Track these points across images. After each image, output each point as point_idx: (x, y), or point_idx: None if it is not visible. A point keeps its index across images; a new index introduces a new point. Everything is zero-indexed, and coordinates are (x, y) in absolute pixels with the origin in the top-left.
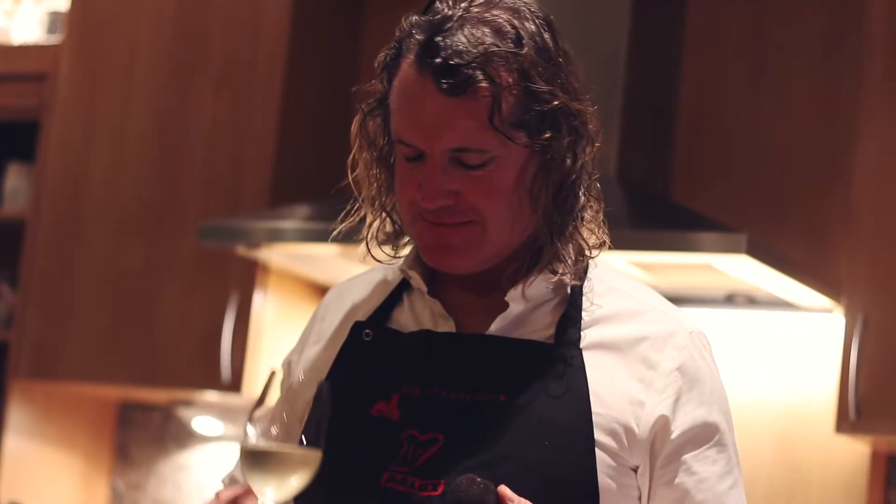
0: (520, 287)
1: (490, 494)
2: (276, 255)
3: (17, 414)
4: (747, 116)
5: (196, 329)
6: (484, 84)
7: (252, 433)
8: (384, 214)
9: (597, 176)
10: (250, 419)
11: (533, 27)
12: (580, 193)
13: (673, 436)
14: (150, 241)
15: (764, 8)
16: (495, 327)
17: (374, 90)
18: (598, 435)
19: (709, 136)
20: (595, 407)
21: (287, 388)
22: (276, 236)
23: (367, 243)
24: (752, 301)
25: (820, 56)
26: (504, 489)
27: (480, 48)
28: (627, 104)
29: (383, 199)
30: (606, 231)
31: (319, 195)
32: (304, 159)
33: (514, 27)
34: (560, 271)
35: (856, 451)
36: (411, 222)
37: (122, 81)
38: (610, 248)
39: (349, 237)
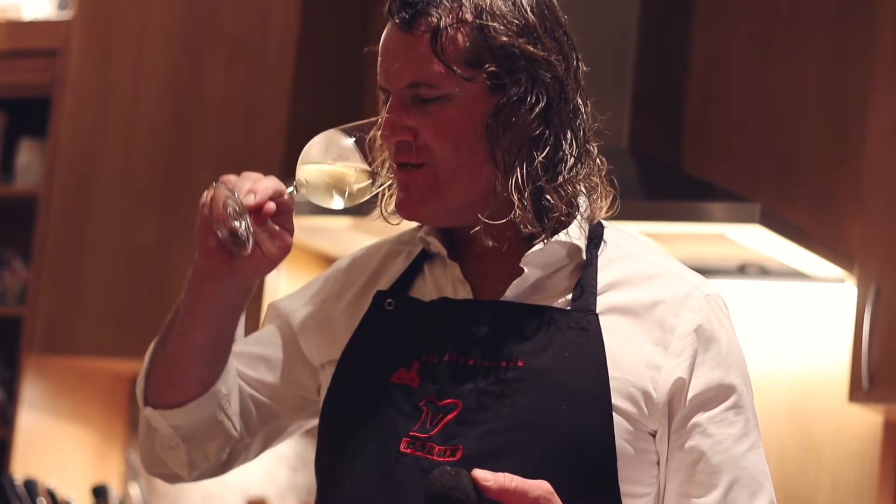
0: (530, 252)
1: (463, 478)
2: None
3: (31, 389)
4: (758, 87)
5: None
6: (434, 19)
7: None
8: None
9: (598, 144)
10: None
11: None
12: (550, 147)
13: (688, 398)
14: (164, 216)
15: None
16: (511, 293)
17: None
18: (616, 400)
19: (720, 107)
20: (612, 372)
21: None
22: None
23: (381, 207)
24: (764, 271)
25: (831, 26)
26: (477, 472)
27: None
28: (639, 75)
29: None
30: (606, 196)
31: None
32: (316, 132)
33: None
34: (519, 223)
35: (868, 421)
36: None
37: (133, 56)
38: (609, 214)
39: (361, 210)
